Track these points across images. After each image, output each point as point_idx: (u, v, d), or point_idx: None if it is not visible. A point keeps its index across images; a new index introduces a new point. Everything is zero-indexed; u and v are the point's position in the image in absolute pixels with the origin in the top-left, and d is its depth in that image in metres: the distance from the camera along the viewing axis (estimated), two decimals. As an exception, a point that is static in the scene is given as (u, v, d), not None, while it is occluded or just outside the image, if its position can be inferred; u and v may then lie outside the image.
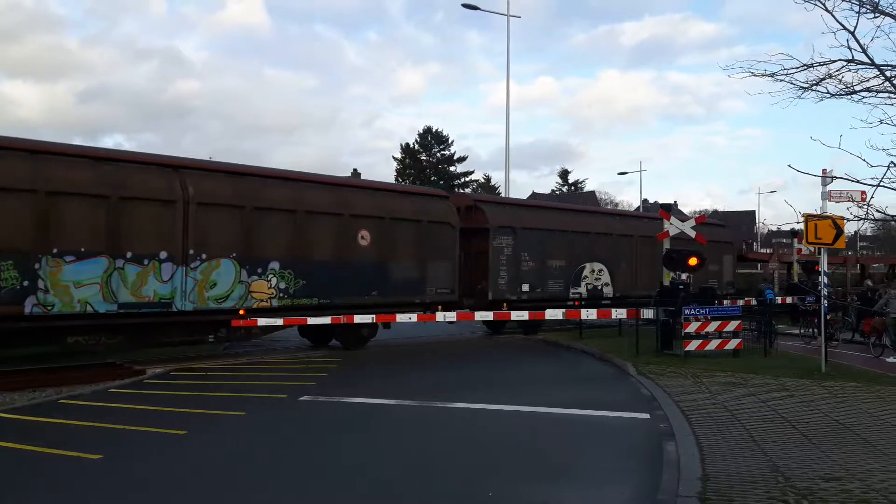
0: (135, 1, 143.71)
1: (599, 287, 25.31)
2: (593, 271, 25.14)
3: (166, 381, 14.11)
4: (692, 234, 20.82)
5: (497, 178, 77.47)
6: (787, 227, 17.80)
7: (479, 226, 22.26)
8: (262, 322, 16.95)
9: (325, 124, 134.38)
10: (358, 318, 18.17)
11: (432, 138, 70.36)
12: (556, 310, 20.80)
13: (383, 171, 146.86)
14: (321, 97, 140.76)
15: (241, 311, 16.51)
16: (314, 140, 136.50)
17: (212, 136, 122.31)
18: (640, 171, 55.67)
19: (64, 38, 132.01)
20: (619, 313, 20.65)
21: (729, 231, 35.30)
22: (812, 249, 22.44)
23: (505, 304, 21.43)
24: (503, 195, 41.45)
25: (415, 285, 19.73)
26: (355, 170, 74.47)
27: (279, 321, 17.25)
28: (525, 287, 22.77)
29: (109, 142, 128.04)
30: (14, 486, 7.40)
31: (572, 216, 26.46)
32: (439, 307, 19.53)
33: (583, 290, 24.72)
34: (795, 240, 28.92)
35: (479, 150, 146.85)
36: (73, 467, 7.97)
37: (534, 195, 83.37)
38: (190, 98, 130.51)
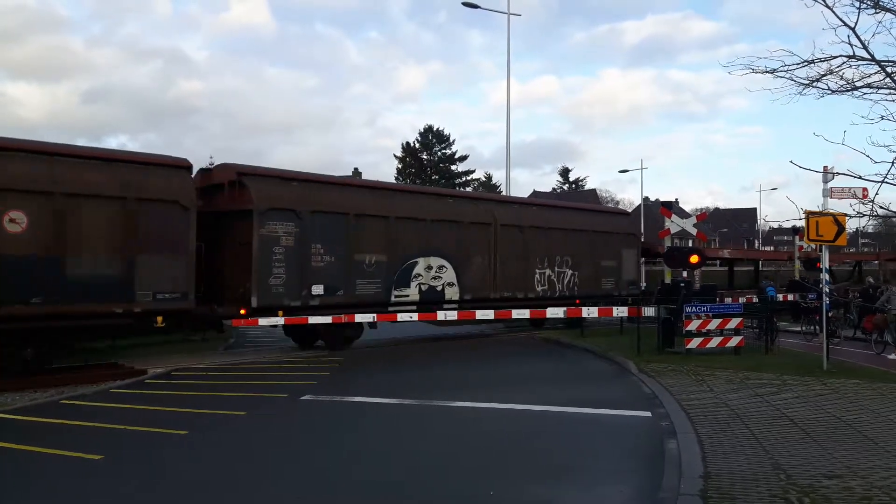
0: (139, 1, 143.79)
1: (439, 288, 20.29)
2: (430, 268, 20.08)
3: (167, 381, 14.12)
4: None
5: (498, 177, 77.51)
6: (788, 225, 17.74)
7: (242, 207, 16.87)
8: (263, 321, 16.98)
9: (327, 123, 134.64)
10: (359, 318, 18.16)
11: (433, 137, 70.35)
12: (558, 308, 20.73)
13: (385, 169, 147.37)
14: (323, 96, 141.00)
15: (243, 311, 16.48)
16: (315, 139, 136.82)
17: (213, 135, 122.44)
18: (641, 168, 55.35)
19: (68, 38, 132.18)
20: (620, 311, 20.74)
21: (631, 221, 30.56)
22: (813, 246, 22.38)
23: (281, 312, 17.06)
24: (504, 193, 38.54)
25: (115, 288, 14.55)
26: (356, 169, 74.43)
27: (280, 320, 17.24)
28: (318, 289, 17.57)
29: (113, 142, 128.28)
30: (15, 486, 7.39)
31: (400, 198, 20.74)
32: (159, 318, 15.28)
33: (413, 291, 19.70)
34: (797, 237, 28.85)
35: (481, 149, 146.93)
36: (74, 468, 7.96)
37: (535, 193, 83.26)
38: (192, 98, 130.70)
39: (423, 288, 19.98)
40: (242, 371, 15.54)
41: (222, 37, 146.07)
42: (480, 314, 19.58)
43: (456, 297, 20.73)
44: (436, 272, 20.29)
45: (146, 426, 9.88)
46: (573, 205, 33.48)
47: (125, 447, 8.94)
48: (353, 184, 20.72)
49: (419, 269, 19.90)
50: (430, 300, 20.00)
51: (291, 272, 17.16)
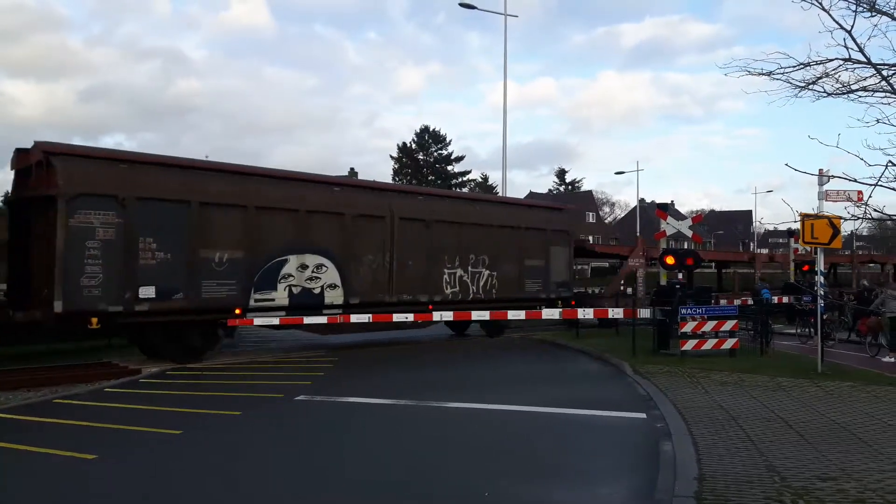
0: (139, 1, 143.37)
1: (317, 290, 17.63)
2: (304, 267, 17.43)
3: (162, 380, 14.09)
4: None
5: (495, 178, 77.47)
6: (783, 227, 17.73)
7: (47, 192, 14.28)
8: (258, 321, 16.92)
9: (325, 123, 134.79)
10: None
11: (429, 137, 70.45)
12: (553, 309, 20.67)
13: (383, 169, 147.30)
14: (322, 96, 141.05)
15: (238, 311, 16.43)
16: (314, 139, 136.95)
17: (212, 135, 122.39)
18: (637, 170, 55.82)
19: (67, 38, 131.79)
20: (615, 312, 20.73)
21: (564, 216, 25.51)
22: (808, 249, 22.43)
23: (95, 320, 14.29)
24: (500, 194, 37.09)
25: None
26: (352, 168, 74.39)
27: (275, 320, 17.18)
28: (147, 291, 14.88)
29: (110, 141, 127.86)
30: (7, 485, 7.35)
31: (264, 184, 17.36)
32: None
33: (281, 294, 17.00)
34: (792, 239, 28.91)
35: (478, 150, 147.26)
36: (67, 467, 7.93)
37: (531, 194, 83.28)
38: (191, 97, 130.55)
39: (295, 290, 17.31)
40: (237, 371, 15.50)
41: (222, 36, 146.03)
42: (476, 314, 19.22)
43: (340, 300, 18.08)
44: (313, 272, 17.62)
45: (140, 425, 9.84)
46: (494, 198, 30.41)
47: (119, 446, 8.90)
48: (200, 166, 17.01)
49: (290, 268, 17.23)
50: (305, 304, 17.43)
51: (111, 271, 14.46)
